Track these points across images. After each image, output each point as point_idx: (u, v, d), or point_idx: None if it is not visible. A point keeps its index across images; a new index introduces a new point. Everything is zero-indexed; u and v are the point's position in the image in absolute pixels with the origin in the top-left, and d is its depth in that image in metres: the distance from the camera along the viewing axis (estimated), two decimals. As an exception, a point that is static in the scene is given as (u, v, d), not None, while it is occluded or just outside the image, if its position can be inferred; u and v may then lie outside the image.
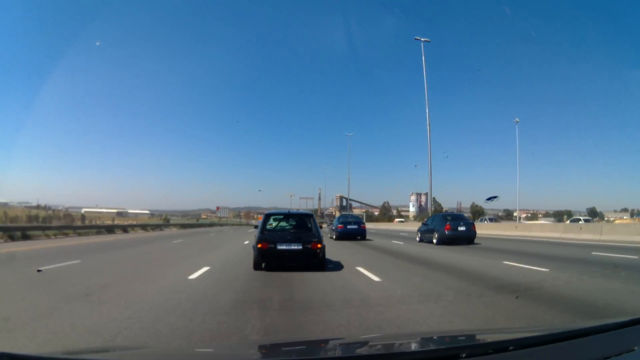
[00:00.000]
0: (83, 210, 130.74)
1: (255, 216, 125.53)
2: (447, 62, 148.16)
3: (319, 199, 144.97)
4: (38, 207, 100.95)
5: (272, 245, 7.91)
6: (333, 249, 12.83)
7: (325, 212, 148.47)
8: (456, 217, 17.64)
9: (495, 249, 13.81)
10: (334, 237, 19.40)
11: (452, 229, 15.89)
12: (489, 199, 69.10)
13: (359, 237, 18.80)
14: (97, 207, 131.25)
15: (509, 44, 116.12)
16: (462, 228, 16.15)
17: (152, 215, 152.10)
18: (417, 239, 18.21)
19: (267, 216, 9.13)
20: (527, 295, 5.46)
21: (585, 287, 6.43)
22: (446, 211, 50.67)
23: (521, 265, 8.92)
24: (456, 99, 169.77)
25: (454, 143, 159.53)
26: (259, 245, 7.95)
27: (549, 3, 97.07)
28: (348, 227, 19.16)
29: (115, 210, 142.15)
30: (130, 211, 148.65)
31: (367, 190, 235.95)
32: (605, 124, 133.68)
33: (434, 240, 16.21)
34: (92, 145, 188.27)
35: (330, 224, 26.98)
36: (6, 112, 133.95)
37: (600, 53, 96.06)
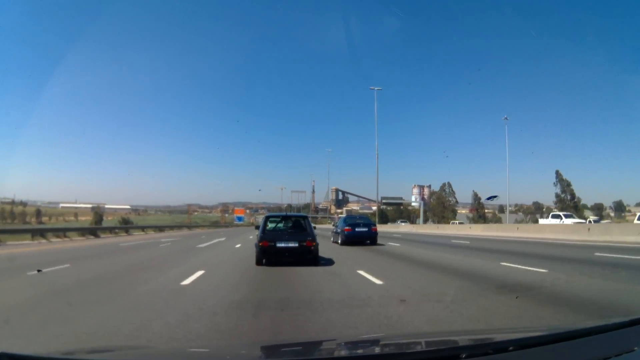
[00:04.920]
0: (60, 206, 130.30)
1: (232, 209, 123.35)
2: (447, 60, 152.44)
3: (313, 191, 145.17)
4: (13, 202, 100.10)
5: (272, 243, 9.41)
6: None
7: (320, 206, 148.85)
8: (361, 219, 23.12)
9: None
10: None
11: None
12: (489, 198, 70.99)
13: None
14: (75, 202, 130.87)
15: (510, 42, 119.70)
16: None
17: (132, 210, 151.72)
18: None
19: (266, 218, 10.91)
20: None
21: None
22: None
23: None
24: (458, 96, 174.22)
25: (458, 138, 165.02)
26: (261, 244, 9.42)
27: (549, 2, 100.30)
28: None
29: (90, 206, 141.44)
30: (108, 206, 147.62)
31: (367, 183, 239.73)
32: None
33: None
34: (80, 141, 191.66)
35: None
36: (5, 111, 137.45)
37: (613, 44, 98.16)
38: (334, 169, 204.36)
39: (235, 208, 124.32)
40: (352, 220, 19.72)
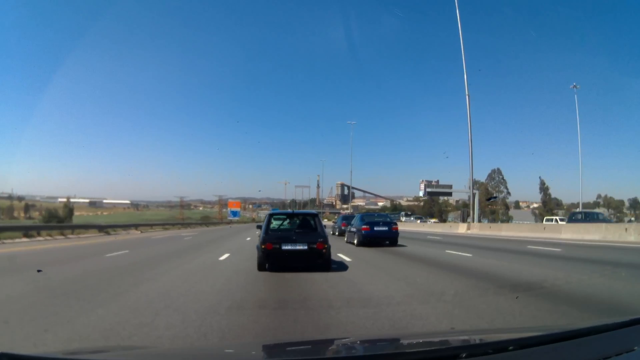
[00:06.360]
0: (58, 200, 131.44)
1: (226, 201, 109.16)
2: (447, 59, 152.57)
3: (318, 186, 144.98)
4: (10, 197, 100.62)
5: (277, 246, 8.40)
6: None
7: (324, 202, 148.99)
8: (380, 216, 21.10)
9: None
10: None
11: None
12: (489, 199, 69.25)
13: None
14: (74, 197, 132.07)
15: (510, 40, 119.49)
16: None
17: (132, 205, 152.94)
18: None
19: (270, 215, 9.87)
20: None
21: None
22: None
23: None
24: (458, 95, 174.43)
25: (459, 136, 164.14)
26: (264, 246, 8.44)
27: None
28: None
29: (88, 200, 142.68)
30: (106, 201, 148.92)
31: (370, 180, 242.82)
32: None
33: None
34: (83, 137, 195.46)
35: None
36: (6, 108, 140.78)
37: None
38: (336, 165, 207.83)
39: (229, 200, 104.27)
40: (370, 218, 18.45)
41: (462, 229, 31.44)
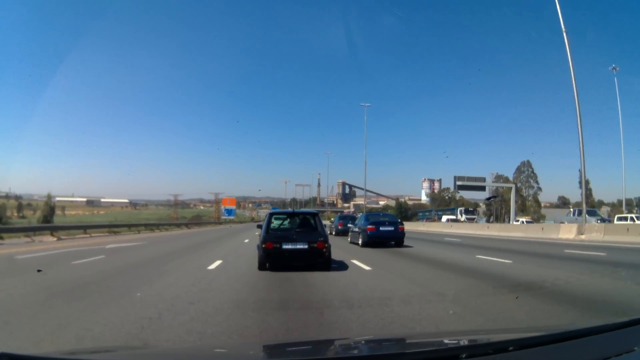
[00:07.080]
0: (56, 199, 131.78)
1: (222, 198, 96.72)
2: (447, 59, 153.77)
3: (318, 185, 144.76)
4: (7, 196, 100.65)
5: (278, 245, 8.53)
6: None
7: (325, 200, 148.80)
8: (385, 216, 20.24)
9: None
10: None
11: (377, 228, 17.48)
12: (489, 198, 68.08)
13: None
14: (72, 196, 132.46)
15: (510, 40, 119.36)
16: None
17: (131, 204, 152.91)
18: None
19: (270, 215, 9.99)
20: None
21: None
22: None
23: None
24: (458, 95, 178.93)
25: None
26: (264, 245, 8.56)
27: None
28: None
29: (85, 199, 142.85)
30: (104, 200, 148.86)
31: (369, 179, 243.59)
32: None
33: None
34: (83, 136, 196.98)
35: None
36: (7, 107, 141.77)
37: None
38: (336, 164, 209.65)
39: (224, 197, 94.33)
40: (376, 217, 18.09)
41: (567, 232, 21.80)
